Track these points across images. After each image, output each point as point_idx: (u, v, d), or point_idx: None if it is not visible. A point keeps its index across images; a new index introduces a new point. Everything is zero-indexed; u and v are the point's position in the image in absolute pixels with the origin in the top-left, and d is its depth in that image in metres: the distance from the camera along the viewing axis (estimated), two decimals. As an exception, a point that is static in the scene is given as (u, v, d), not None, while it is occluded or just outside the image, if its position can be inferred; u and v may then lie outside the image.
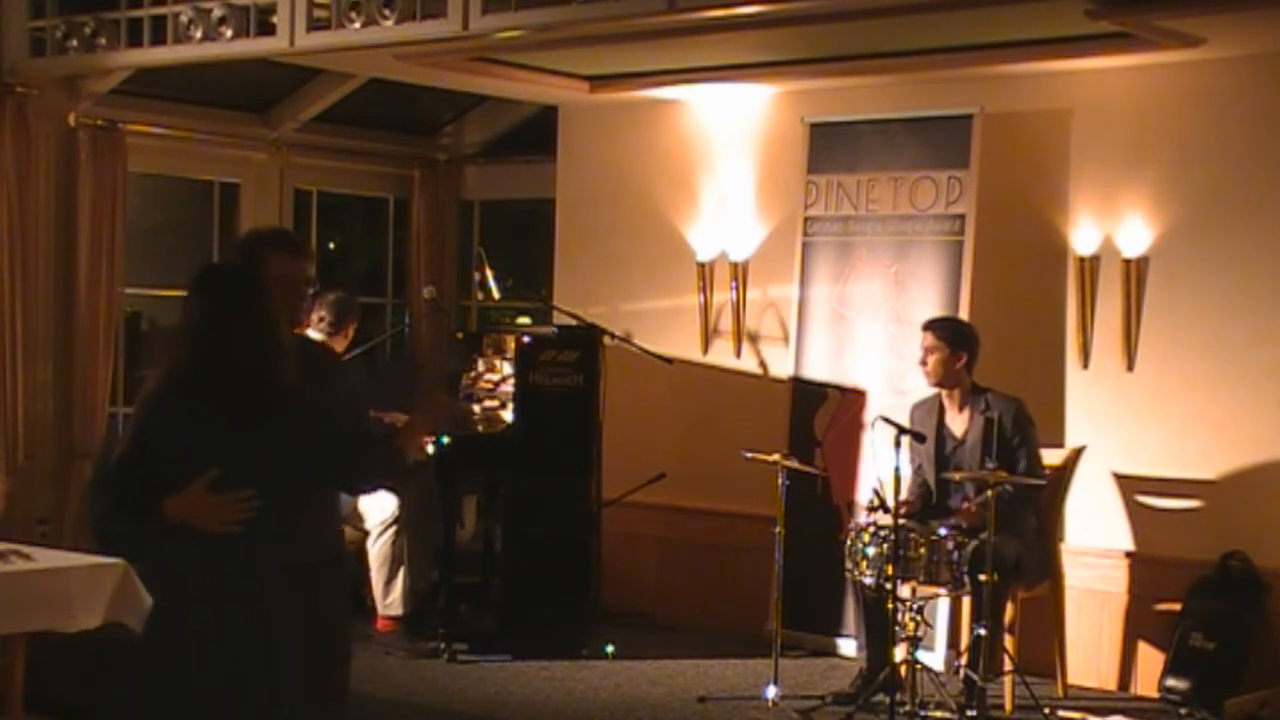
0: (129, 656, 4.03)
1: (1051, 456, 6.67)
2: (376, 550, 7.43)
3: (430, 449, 7.29)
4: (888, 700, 5.97)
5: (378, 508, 7.39)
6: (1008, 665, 6.30)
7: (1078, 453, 6.91)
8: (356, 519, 7.43)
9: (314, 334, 7.54)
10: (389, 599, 7.45)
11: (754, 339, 8.18)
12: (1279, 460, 6.71)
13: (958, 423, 6.54)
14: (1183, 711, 6.50)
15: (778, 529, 6.47)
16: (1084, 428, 7.09)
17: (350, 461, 3.95)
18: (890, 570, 6.06)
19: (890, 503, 6.06)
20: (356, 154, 9.61)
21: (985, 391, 6.50)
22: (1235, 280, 6.82)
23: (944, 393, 6.56)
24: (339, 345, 7.54)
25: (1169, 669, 6.63)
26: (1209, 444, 6.86)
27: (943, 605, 6.89)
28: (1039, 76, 7.27)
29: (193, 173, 9.00)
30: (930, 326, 6.56)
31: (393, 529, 7.39)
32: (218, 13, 7.12)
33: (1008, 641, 6.36)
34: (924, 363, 6.51)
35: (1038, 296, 7.29)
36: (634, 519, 7.99)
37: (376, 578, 7.42)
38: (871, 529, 6.26)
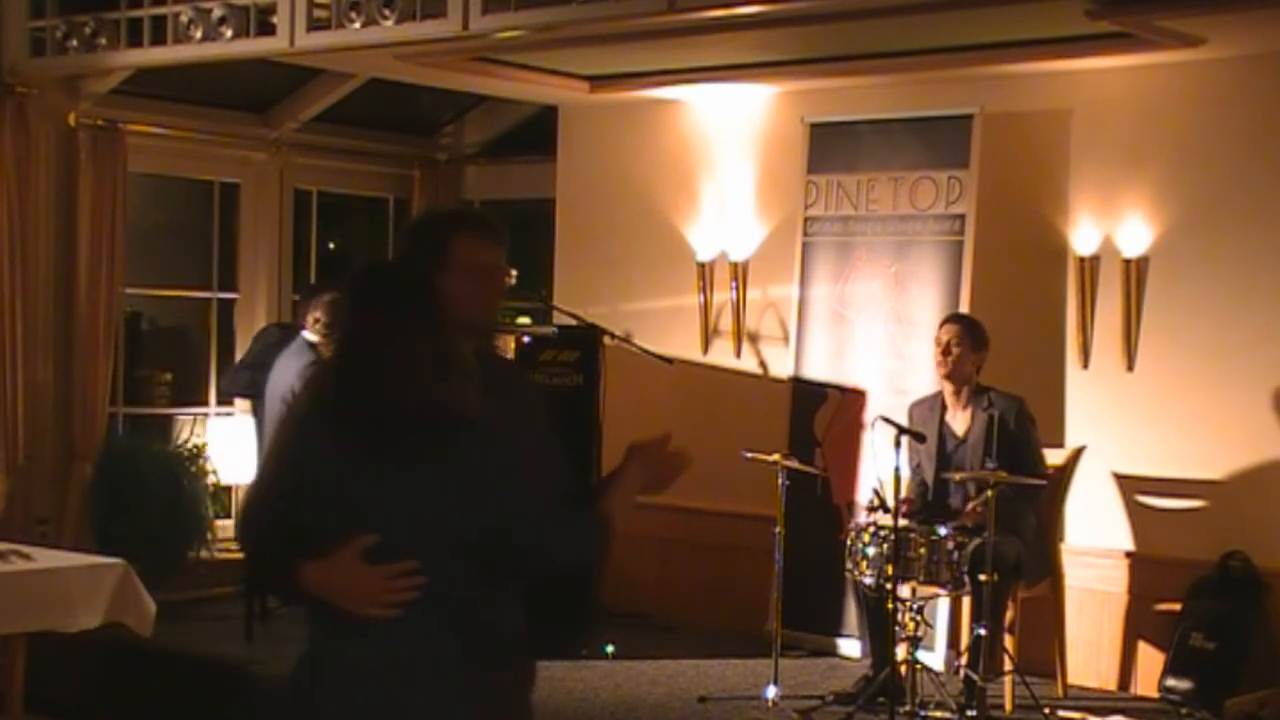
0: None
1: (1052, 456, 6.67)
2: None
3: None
4: (888, 700, 5.97)
5: None
6: (1008, 665, 6.31)
7: (1078, 453, 6.91)
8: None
9: (310, 336, 7.55)
10: None
11: (754, 339, 8.18)
12: (1279, 460, 6.72)
13: (959, 421, 6.55)
14: (1183, 711, 6.50)
15: (778, 529, 6.47)
16: (1084, 428, 7.09)
17: (545, 530, 3.01)
18: (890, 570, 6.06)
19: (890, 503, 6.06)
20: (356, 154, 9.61)
21: (988, 390, 6.50)
22: (1235, 280, 6.82)
23: (948, 391, 6.56)
24: (319, 340, 7.53)
25: (1169, 669, 6.63)
26: (1209, 444, 6.86)
27: (943, 605, 6.89)
28: (1039, 76, 7.27)
29: (193, 173, 9.00)
30: (957, 320, 6.57)
31: None
32: (218, 13, 7.12)
33: (1008, 641, 6.36)
34: (946, 353, 6.48)
35: (1038, 296, 7.29)
36: (634, 519, 7.96)
37: None
38: (871, 529, 6.26)
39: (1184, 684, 6.53)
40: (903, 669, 6.08)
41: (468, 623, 2.92)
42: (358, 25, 6.75)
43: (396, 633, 2.84)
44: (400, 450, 2.87)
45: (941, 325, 6.59)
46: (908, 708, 6.05)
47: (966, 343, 6.48)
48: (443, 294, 3.02)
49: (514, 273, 3.43)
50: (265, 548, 2.97)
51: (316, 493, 2.89)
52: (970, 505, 6.35)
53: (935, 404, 6.61)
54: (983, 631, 6.09)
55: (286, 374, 7.56)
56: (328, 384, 2.99)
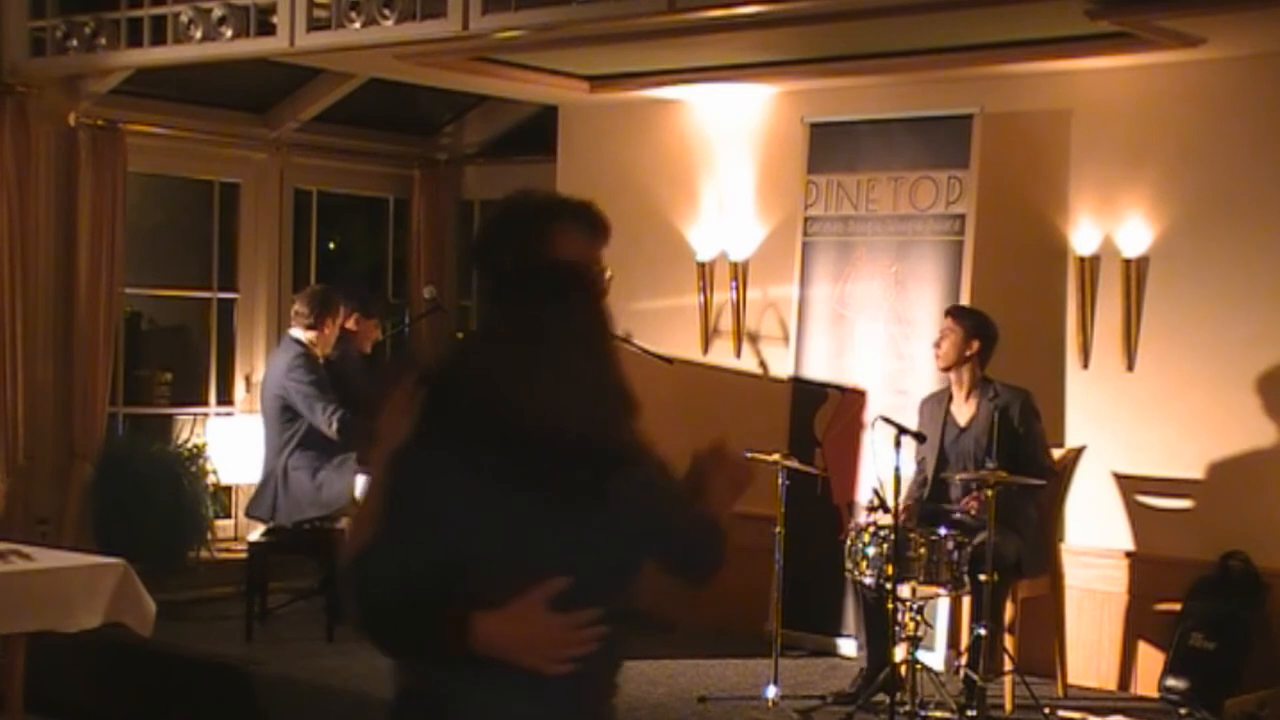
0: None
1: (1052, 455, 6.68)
2: None
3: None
4: (888, 700, 5.97)
5: None
6: (1008, 665, 6.31)
7: (1078, 452, 6.91)
8: (357, 507, 7.41)
9: (297, 333, 7.56)
10: None
11: (754, 339, 8.18)
12: (1279, 460, 6.72)
13: (963, 411, 6.56)
14: (1183, 711, 6.50)
15: (778, 529, 6.47)
16: (1084, 427, 7.09)
17: (698, 549, 2.92)
18: (890, 570, 6.06)
19: (890, 503, 6.06)
20: (356, 154, 9.61)
21: (993, 383, 6.53)
22: (1235, 280, 6.82)
23: (952, 381, 6.58)
24: (321, 343, 7.55)
25: (1169, 669, 6.63)
26: (1209, 444, 6.86)
27: (943, 605, 6.89)
28: (1039, 76, 7.26)
29: (193, 173, 9.01)
30: (950, 312, 6.63)
31: None
32: (218, 13, 7.13)
33: (1008, 641, 6.36)
34: (938, 345, 6.55)
35: (1038, 296, 7.29)
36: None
37: None
38: (871, 529, 6.26)
39: (1184, 684, 6.53)
40: (902, 669, 6.07)
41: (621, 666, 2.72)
42: (358, 25, 6.75)
43: (574, 687, 2.56)
44: (591, 488, 2.55)
45: (943, 317, 6.67)
46: (908, 708, 6.05)
47: (959, 329, 6.51)
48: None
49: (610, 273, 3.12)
50: (408, 605, 2.51)
51: (475, 539, 2.51)
52: (966, 500, 6.37)
53: (943, 398, 6.64)
54: (983, 631, 6.09)
55: (274, 372, 7.58)
56: (472, 415, 2.56)
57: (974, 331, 6.53)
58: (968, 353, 6.51)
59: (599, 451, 2.57)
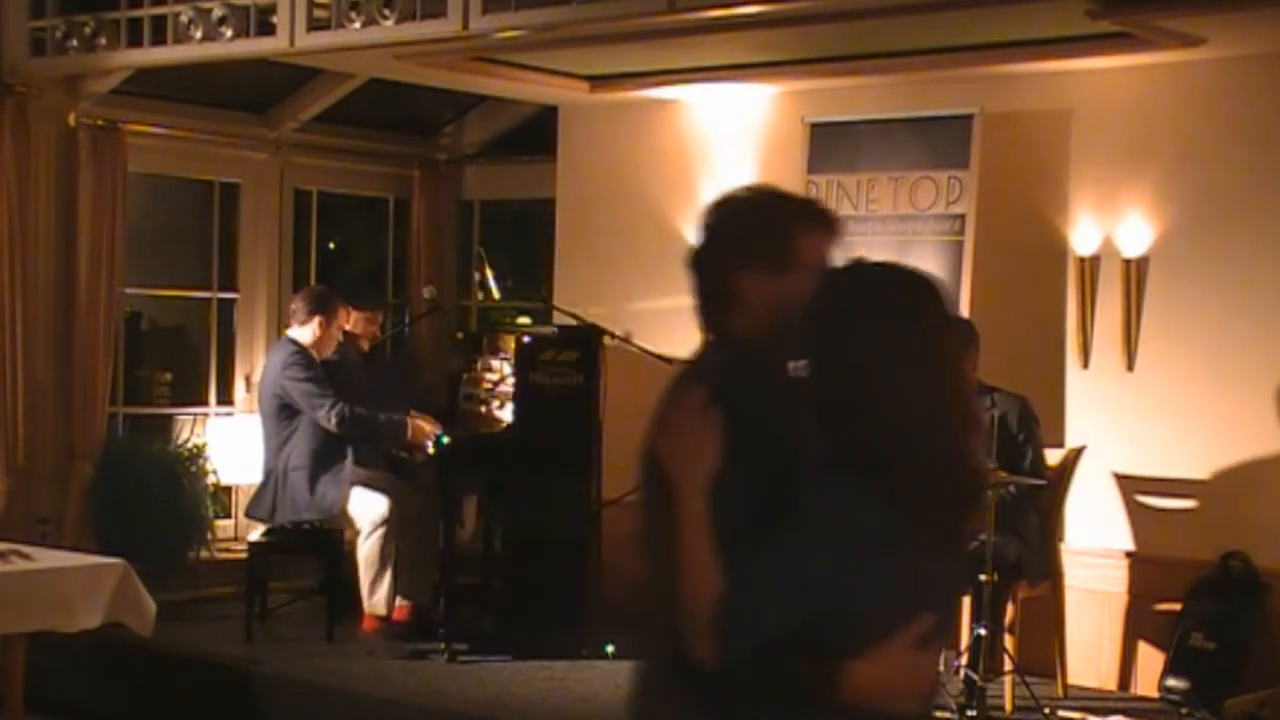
0: None
1: (1051, 456, 6.67)
2: (364, 551, 7.41)
3: (431, 449, 7.30)
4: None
5: (368, 509, 7.38)
6: (1008, 665, 6.30)
7: (1078, 453, 6.91)
8: (348, 520, 7.43)
9: (293, 333, 7.56)
10: (374, 599, 7.44)
11: (754, 339, 8.16)
12: (1279, 460, 6.71)
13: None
14: (1183, 711, 6.50)
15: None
16: (1084, 428, 7.09)
17: None
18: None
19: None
20: (356, 154, 9.61)
21: (992, 390, 6.50)
22: (1235, 280, 6.82)
23: None
24: (321, 344, 7.55)
25: (1169, 669, 6.63)
26: (1209, 444, 6.86)
27: (943, 605, 6.88)
28: (1039, 76, 7.26)
29: (193, 173, 9.00)
30: None
31: (382, 530, 7.37)
32: (218, 13, 7.12)
33: (1008, 641, 6.36)
34: None
35: (1038, 296, 7.29)
36: (634, 519, 7.96)
37: (364, 577, 7.41)
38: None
39: (1184, 684, 6.52)
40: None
41: None
42: (358, 25, 6.75)
43: None
44: (958, 520, 2.43)
45: None
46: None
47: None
48: (779, 300, 2.62)
49: None
50: (775, 654, 2.35)
51: (848, 580, 2.34)
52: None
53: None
54: (983, 631, 6.08)
55: (270, 371, 7.59)
56: (836, 450, 2.39)
57: (970, 342, 6.50)
58: (969, 366, 6.49)
59: (965, 481, 2.43)
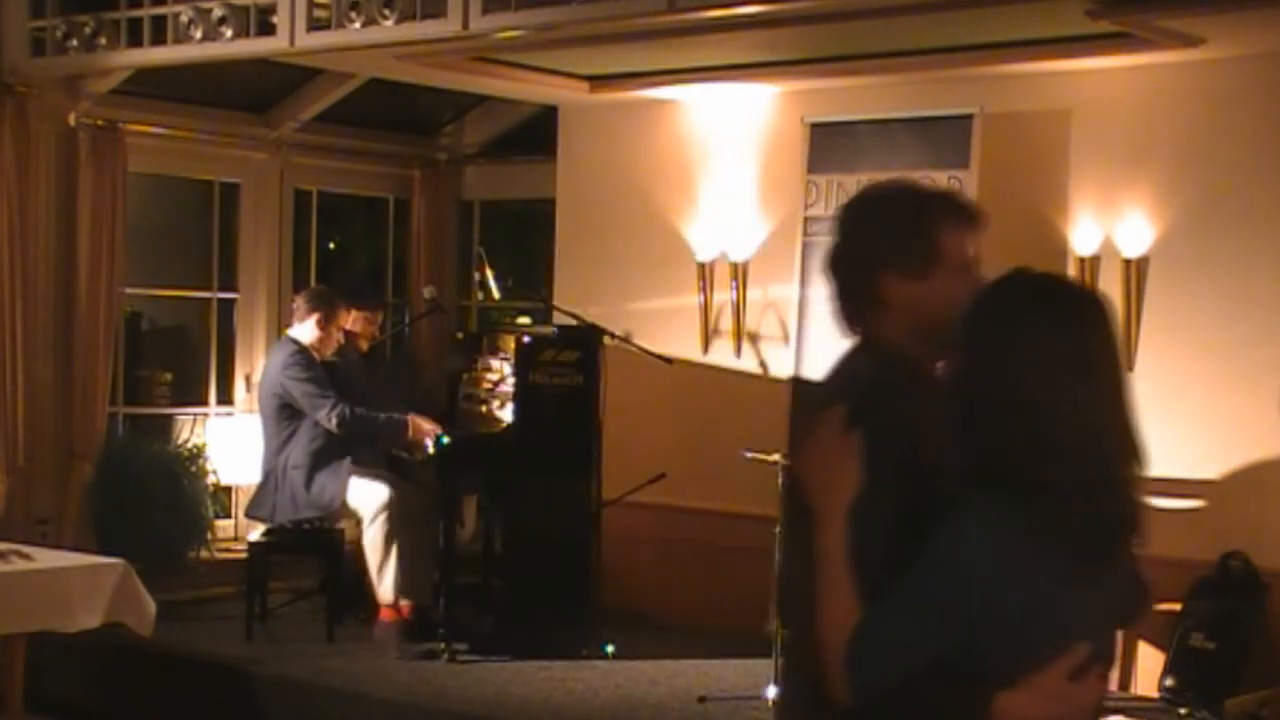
0: None
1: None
2: (370, 537, 7.38)
3: (430, 449, 7.30)
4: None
5: (369, 496, 7.37)
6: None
7: (1078, 453, 6.90)
8: (350, 512, 7.42)
9: (294, 333, 7.57)
10: (383, 585, 7.42)
11: (754, 339, 8.18)
12: (1279, 460, 6.71)
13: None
14: (1182, 711, 6.50)
15: (777, 529, 6.47)
16: (1084, 428, 7.08)
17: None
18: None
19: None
20: (356, 154, 9.61)
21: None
22: (1235, 280, 6.82)
23: None
24: (321, 345, 7.54)
25: (1169, 669, 6.63)
26: (1209, 444, 6.86)
27: (943, 605, 6.88)
28: (1039, 76, 7.26)
29: (193, 173, 9.00)
30: None
31: (385, 515, 7.34)
32: (218, 13, 7.12)
33: (1008, 641, 6.35)
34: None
35: (1038, 296, 7.27)
36: (634, 519, 7.98)
37: (373, 564, 7.39)
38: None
39: (1184, 684, 6.52)
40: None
41: None
42: (358, 25, 6.75)
43: None
44: (1118, 548, 2.33)
45: None
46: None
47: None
48: (923, 302, 2.54)
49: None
50: (919, 687, 2.26)
51: (1003, 611, 2.25)
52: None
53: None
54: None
55: (270, 371, 7.59)
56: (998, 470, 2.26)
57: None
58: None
59: (1122, 507, 2.31)
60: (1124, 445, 2.31)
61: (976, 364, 2.35)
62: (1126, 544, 2.35)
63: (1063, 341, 2.32)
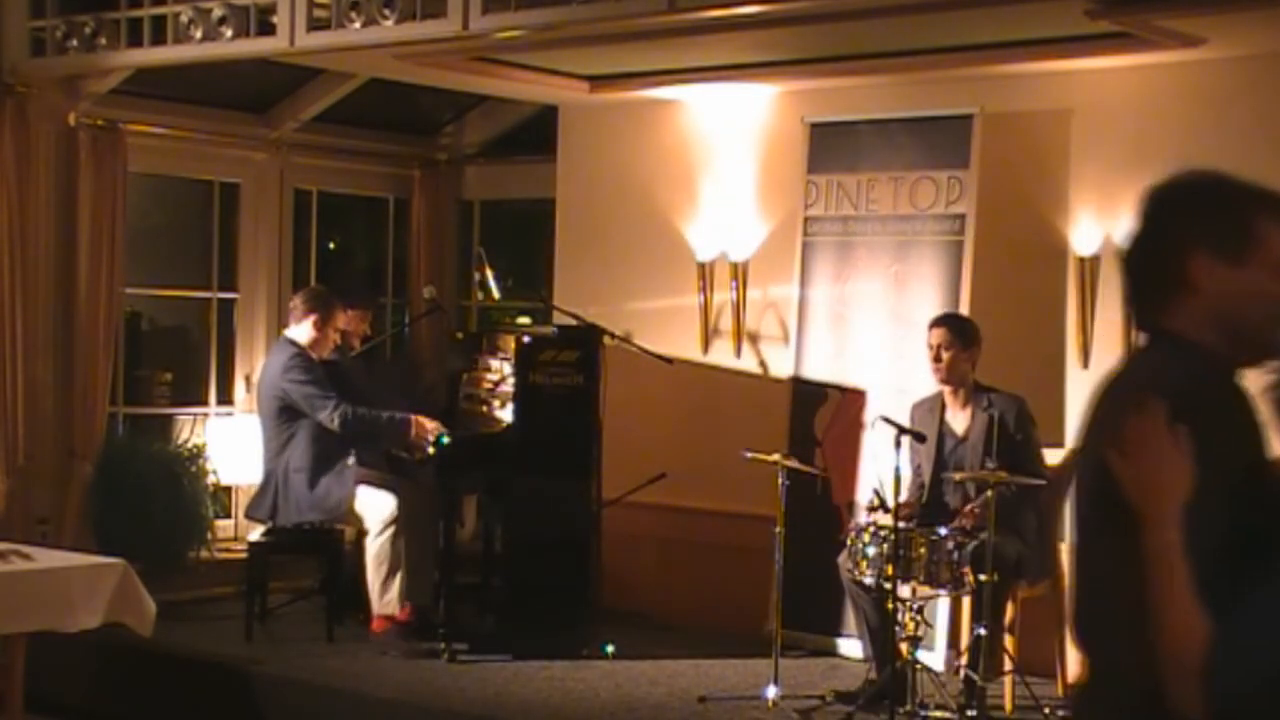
0: None
1: (1051, 456, 6.66)
2: (375, 549, 7.40)
3: (430, 449, 7.29)
4: (888, 700, 5.97)
5: (377, 507, 7.38)
6: (1008, 665, 6.30)
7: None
8: (355, 519, 7.42)
9: (292, 334, 7.56)
10: (386, 598, 7.43)
11: (754, 339, 8.18)
12: (1279, 460, 6.70)
13: (959, 420, 6.55)
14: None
15: (778, 529, 6.47)
16: (1084, 428, 7.08)
17: None
18: (890, 570, 6.05)
19: (890, 503, 6.06)
20: (356, 154, 9.62)
21: (988, 390, 6.50)
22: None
23: (947, 391, 6.56)
24: (319, 345, 7.54)
25: (1169, 669, 6.61)
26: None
27: (943, 605, 6.88)
28: (1039, 76, 7.27)
29: (193, 173, 9.01)
30: (943, 323, 6.55)
31: (391, 529, 7.37)
32: (218, 13, 7.13)
33: (1008, 641, 6.35)
34: (937, 359, 6.49)
35: (1038, 296, 7.29)
36: (634, 519, 7.98)
37: (373, 576, 7.39)
38: (871, 529, 6.26)
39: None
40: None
41: None
42: (358, 25, 6.75)
43: None
44: None
45: (930, 329, 6.57)
46: (908, 707, 6.05)
47: (957, 344, 6.47)
48: (1237, 291, 2.35)
49: None
50: (1275, 697, 2.13)
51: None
52: (968, 507, 6.35)
53: (935, 404, 6.61)
54: (983, 631, 6.08)
55: (270, 373, 7.59)
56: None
57: (971, 342, 6.50)
58: (967, 364, 6.50)
59: None
60: None
61: None
62: None
63: None
